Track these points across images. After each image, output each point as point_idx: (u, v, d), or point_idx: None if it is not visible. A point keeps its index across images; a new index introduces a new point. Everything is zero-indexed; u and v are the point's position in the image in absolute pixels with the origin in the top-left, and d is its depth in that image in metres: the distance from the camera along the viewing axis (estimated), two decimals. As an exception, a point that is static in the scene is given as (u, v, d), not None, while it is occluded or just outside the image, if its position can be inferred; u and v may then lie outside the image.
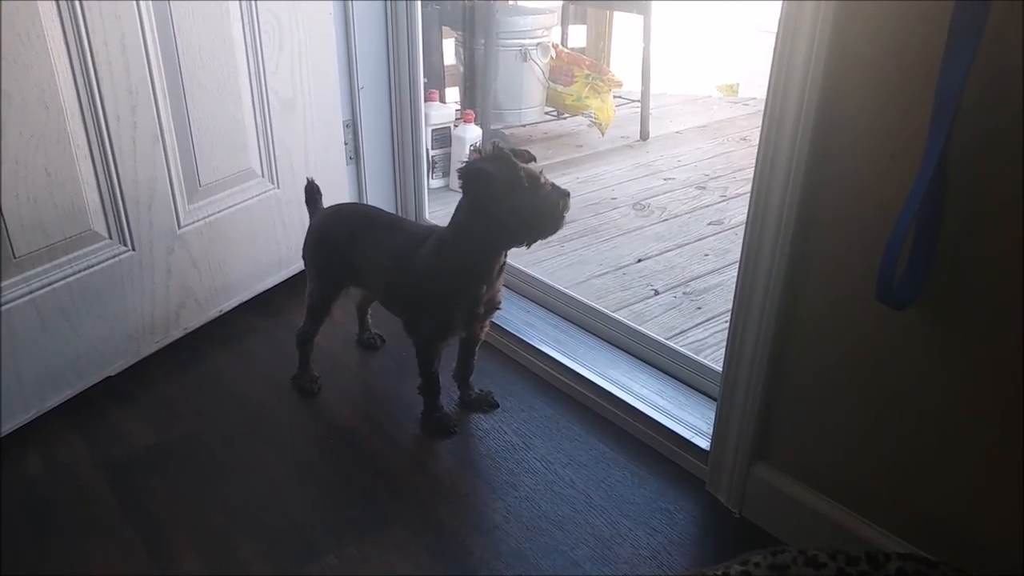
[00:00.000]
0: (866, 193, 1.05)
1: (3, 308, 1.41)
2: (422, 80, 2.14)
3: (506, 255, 1.43)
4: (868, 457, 1.16)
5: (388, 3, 2.04)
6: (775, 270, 1.18)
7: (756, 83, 4.31)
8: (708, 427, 1.43)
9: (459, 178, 1.34)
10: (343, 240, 1.55)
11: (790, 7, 1.07)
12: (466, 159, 1.36)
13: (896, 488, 1.13)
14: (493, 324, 1.82)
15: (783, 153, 1.12)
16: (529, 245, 1.37)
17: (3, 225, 1.38)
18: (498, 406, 1.63)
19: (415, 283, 1.45)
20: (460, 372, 1.63)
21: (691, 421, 1.49)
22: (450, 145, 2.83)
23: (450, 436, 1.55)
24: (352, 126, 2.11)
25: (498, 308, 1.52)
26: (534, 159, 1.38)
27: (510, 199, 1.31)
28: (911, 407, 1.08)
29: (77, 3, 1.40)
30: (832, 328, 1.15)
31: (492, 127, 3.03)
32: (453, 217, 1.41)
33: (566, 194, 1.35)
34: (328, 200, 1.69)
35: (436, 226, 1.53)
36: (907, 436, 1.10)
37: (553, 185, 1.35)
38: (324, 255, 1.60)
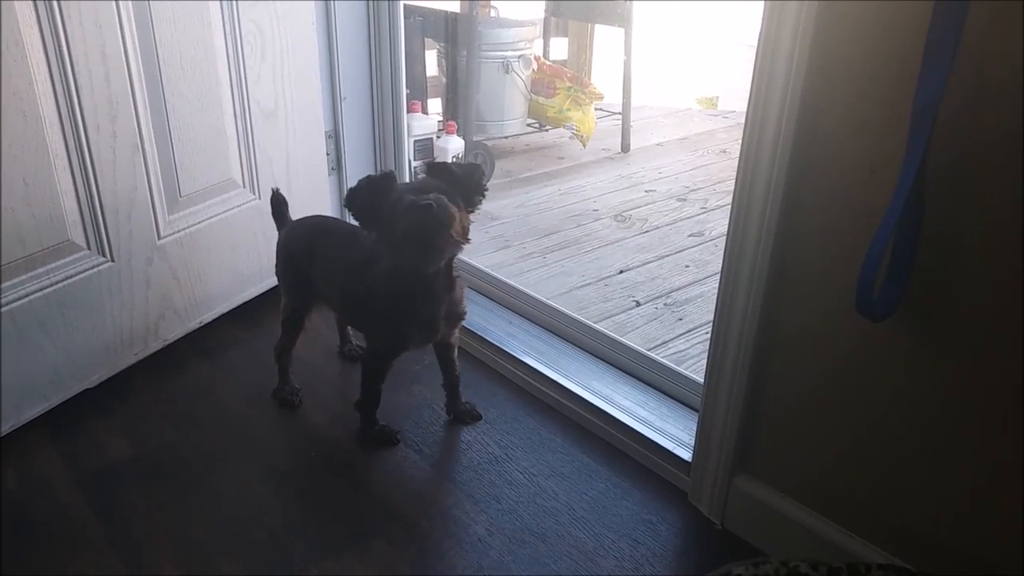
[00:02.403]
0: (846, 205, 1.06)
1: (-22, 319, 1.39)
2: (405, 91, 2.14)
3: (446, 269, 1.37)
4: (850, 468, 1.17)
5: (371, 14, 2.04)
6: (756, 282, 1.19)
7: (735, 96, 4.36)
8: (690, 438, 1.43)
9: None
10: (301, 255, 1.55)
11: (770, 21, 1.08)
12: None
13: (877, 499, 1.14)
14: (475, 335, 1.82)
15: (763, 165, 1.13)
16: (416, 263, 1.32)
17: (-21, 235, 1.36)
18: (481, 418, 1.62)
19: (370, 294, 1.42)
20: (447, 383, 1.61)
21: (673, 432, 1.50)
22: (432, 156, 2.83)
23: (394, 444, 1.53)
24: (334, 137, 2.10)
25: (462, 318, 1.48)
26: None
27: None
28: (892, 418, 1.09)
29: (57, 11, 1.39)
30: (813, 339, 1.16)
31: (474, 138, 3.03)
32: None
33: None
34: (311, 211, 1.68)
35: None
36: (888, 447, 1.11)
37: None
38: (287, 270, 1.60)
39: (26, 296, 1.46)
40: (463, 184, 1.34)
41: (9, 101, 1.35)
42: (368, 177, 1.33)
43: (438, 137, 2.86)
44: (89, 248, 1.56)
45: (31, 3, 1.35)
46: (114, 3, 1.48)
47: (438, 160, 1.37)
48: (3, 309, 1.43)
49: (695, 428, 1.39)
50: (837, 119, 1.05)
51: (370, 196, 1.30)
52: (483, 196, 1.37)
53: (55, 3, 1.38)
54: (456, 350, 1.59)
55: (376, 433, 1.54)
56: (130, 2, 1.51)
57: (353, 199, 1.32)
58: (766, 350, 1.22)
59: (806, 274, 1.14)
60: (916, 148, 0.91)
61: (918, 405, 1.06)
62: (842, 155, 1.05)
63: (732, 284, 1.23)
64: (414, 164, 2.75)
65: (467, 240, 1.31)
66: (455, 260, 1.40)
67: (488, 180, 3.00)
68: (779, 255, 1.16)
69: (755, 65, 1.11)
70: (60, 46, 1.41)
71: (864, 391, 1.11)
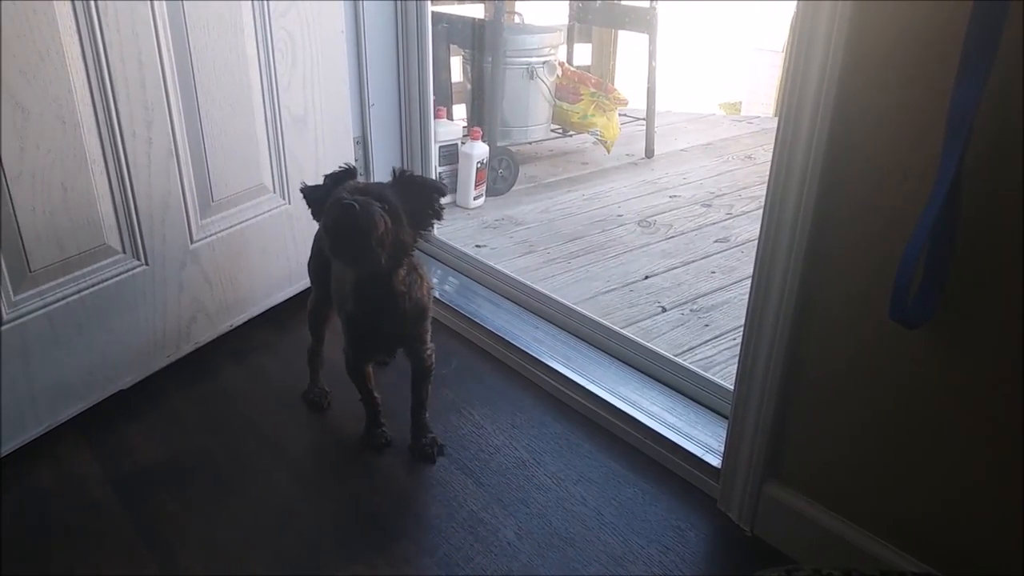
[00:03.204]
0: (880, 212, 1.06)
1: (18, 321, 1.42)
2: (431, 98, 2.16)
3: (398, 281, 1.34)
4: (882, 475, 1.16)
5: (399, 22, 2.06)
6: (788, 288, 1.19)
7: (758, 102, 4.35)
8: (719, 445, 1.43)
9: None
10: (320, 251, 1.56)
11: (803, 27, 1.08)
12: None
13: (910, 506, 1.13)
14: (501, 340, 1.83)
15: (796, 170, 1.13)
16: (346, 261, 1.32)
17: (20, 239, 1.39)
18: (435, 462, 1.52)
19: (343, 296, 1.43)
20: (412, 403, 1.55)
21: (702, 439, 1.50)
22: (457, 162, 2.85)
23: (379, 451, 1.54)
24: (362, 143, 2.12)
25: (419, 341, 1.46)
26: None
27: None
28: (925, 426, 1.08)
29: (96, 20, 1.42)
30: (845, 346, 1.15)
31: (499, 144, 3.04)
32: None
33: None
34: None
35: None
36: (922, 455, 1.10)
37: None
38: (315, 260, 1.62)
39: (63, 298, 1.48)
40: (416, 199, 1.32)
41: (48, 107, 1.38)
42: (330, 174, 1.36)
43: (463, 143, 2.87)
44: (124, 252, 1.58)
45: (71, 11, 1.38)
46: (150, 11, 1.51)
47: (413, 171, 1.34)
48: (41, 311, 1.45)
49: (724, 434, 1.39)
50: (870, 125, 1.04)
51: (324, 188, 1.33)
52: (437, 218, 1.36)
53: (94, 11, 1.41)
54: (430, 373, 1.51)
55: (369, 436, 1.56)
56: (166, 10, 1.54)
57: (304, 191, 1.36)
58: (798, 357, 1.22)
59: (839, 280, 1.14)
60: (951, 156, 0.91)
61: (953, 413, 1.05)
62: (876, 160, 1.05)
63: (764, 290, 1.23)
64: (439, 170, 2.77)
65: (387, 249, 1.25)
66: (406, 276, 1.36)
67: (512, 185, 3.04)
68: (811, 261, 1.15)
69: (788, 68, 1.11)
70: (98, 53, 1.44)
71: (898, 398, 1.10)
